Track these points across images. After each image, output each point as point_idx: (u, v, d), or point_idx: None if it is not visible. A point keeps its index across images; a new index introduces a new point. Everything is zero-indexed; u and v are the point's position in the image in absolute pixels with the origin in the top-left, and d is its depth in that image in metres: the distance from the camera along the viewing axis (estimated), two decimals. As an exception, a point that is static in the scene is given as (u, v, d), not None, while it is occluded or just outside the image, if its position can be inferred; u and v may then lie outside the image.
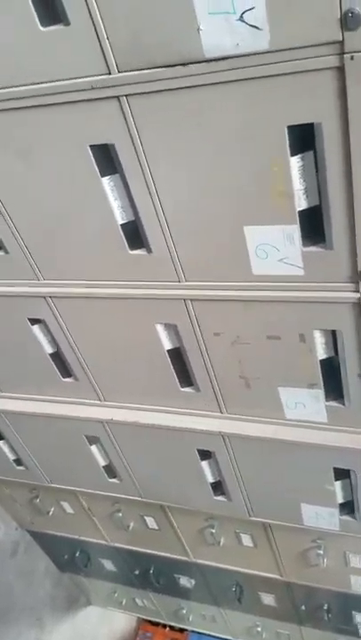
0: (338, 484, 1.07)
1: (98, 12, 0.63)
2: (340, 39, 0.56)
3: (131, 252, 0.87)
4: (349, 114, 0.61)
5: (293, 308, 0.83)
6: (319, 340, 0.86)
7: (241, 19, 0.58)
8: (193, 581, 1.81)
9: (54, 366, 1.15)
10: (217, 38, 0.60)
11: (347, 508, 1.12)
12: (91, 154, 0.77)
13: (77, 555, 1.93)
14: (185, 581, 1.83)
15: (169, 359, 1.02)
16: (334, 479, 1.05)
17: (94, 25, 0.64)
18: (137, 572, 1.89)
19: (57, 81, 0.70)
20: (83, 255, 0.92)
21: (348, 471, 1.03)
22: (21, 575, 1.95)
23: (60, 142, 0.77)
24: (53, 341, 1.10)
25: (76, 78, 0.69)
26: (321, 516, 1.15)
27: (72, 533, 1.85)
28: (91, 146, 0.76)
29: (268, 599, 1.70)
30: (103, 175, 0.79)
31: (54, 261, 0.95)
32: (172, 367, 1.03)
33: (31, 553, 1.98)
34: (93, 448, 1.31)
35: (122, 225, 0.84)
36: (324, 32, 0.56)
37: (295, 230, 0.74)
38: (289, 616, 1.73)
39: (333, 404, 0.94)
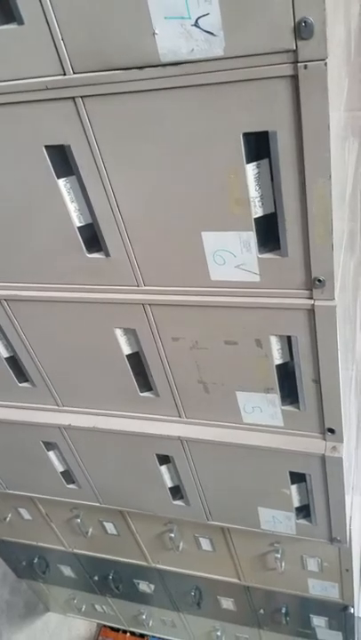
0: (294, 487, 1.08)
1: (52, 13, 0.62)
2: (294, 48, 0.57)
3: (88, 256, 0.86)
4: (303, 123, 0.62)
5: (250, 313, 0.83)
6: (275, 345, 0.86)
7: (196, 24, 0.58)
8: (152, 586, 1.81)
9: (10, 371, 1.13)
10: (172, 43, 0.60)
11: (303, 511, 1.13)
12: (46, 155, 0.76)
13: (35, 561, 1.90)
14: (144, 586, 1.82)
15: (128, 364, 1.01)
16: (290, 483, 1.06)
17: (49, 25, 0.63)
18: (96, 578, 1.87)
19: (11, 80, 0.69)
20: (39, 258, 0.90)
21: (303, 475, 1.04)
22: (-23, 583, 1.90)
23: (14, 142, 0.76)
24: (9, 345, 1.08)
25: (30, 78, 0.68)
26: (278, 520, 1.16)
27: (30, 540, 1.82)
28: (46, 147, 0.75)
29: (227, 603, 1.70)
30: (59, 177, 0.78)
31: (10, 264, 0.93)
32: (131, 372, 1.02)
33: (-12, 560, 1.95)
34: (51, 454, 1.29)
35: (79, 228, 0.83)
36: (277, 40, 0.57)
37: (251, 237, 0.74)
38: (248, 620, 1.74)
39: (289, 408, 0.95)
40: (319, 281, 0.75)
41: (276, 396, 0.94)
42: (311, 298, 0.78)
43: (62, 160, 0.76)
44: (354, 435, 1.26)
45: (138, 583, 1.82)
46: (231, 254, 0.77)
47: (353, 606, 1.43)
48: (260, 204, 0.71)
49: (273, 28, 0.56)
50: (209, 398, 1.00)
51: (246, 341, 0.87)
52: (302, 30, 0.55)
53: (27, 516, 1.70)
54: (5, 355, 1.10)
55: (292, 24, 0.55)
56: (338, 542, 1.14)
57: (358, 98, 1.00)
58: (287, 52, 0.57)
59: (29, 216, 0.84)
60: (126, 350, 0.98)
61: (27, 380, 1.14)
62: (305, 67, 0.58)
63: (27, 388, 1.15)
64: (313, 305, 0.78)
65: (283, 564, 1.36)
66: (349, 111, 0.84)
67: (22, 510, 1.68)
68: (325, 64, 0.57)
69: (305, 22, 0.55)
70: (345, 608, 1.45)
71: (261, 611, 1.64)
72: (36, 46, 0.65)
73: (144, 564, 1.67)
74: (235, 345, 0.89)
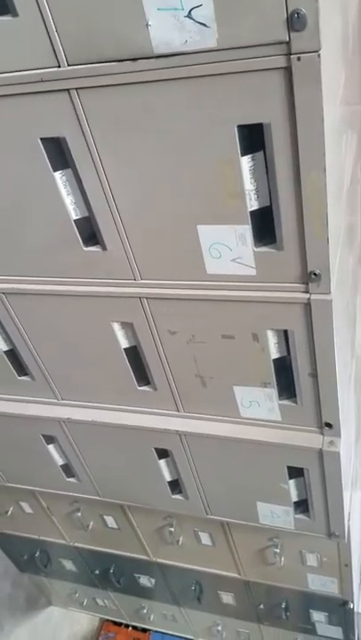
0: (292, 482, 1.07)
1: (46, 5, 0.62)
2: (287, 40, 0.57)
3: (85, 249, 0.86)
4: (297, 115, 0.61)
5: (246, 307, 0.83)
6: (272, 339, 0.86)
7: (189, 15, 0.58)
8: (153, 581, 1.81)
9: (10, 364, 1.13)
10: (166, 34, 0.60)
11: (301, 506, 1.13)
12: (42, 147, 0.76)
13: (37, 555, 1.91)
14: (145, 581, 1.83)
15: (126, 358, 1.01)
16: (288, 477, 1.06)
17: (43, 17, 0.63)
18: (97, 572, 1.88)
19: (5, 73, 0.69)
20: (36, 252, 0.90)
21: (301, 470, 1.04)
22: (-21, 576, 1.92)
23: (10, 135, 0.76)
24: (8, 339, 1.08)
25: (24, 70, 0.68)
26: (276, 515, 1.16)
27: (31, 533, 1.83)
28: (42, 140, 0.75)
29: (227, 598, 1.70)
30: (55, 170, 0.78)
31: (7, 257, 0.94)
32: (128, 366, 1.02)
33: (-10, 553, 1.96)
34: (51, 447, 1.29)
35: (75, 221, 0.83)
36: (270, 32, 0.56)
37: (247, 230, 0.74)
38: (248, 615, 1.75)
39: (286, 402, 0.95)
40: (315, 275, 0.75)
41: (273, 391, 0.94)
42: (307, 292, 0.77)
43: (58, 153, 0.76)
44: (353, 430, 1.26)
45: (139, 577, 1.83)
46: (227, 248, 0.77)
47: (352, 601, 1.43)
48: (256, 197, 0.71)
49: (266, 19, 0.56)
50: (207, 392, 1.00)
51: (243, 335, 0.87)
52: (295, 22, 0.55)
53: (28, 509, 1.70)
54: (4, 348, 1.11)
55: (285, 15, 0.55)
56: (336, 537, 1.14)
57: (357, 91, 1.00)
58: (280, 43, 0.57)
59: (26, 210, 0.85)
60: (124, 344, 0.99)
61: (26, 374, 1.15)
62: (298, 58, 0.57)
63: (26, 382, 1.16)
64: (309, 299, 0.78)
65: (282, 559, 1.37)
66: (347, 105, 0.84)
67: (23, 504, 1.69)
68: (319, 56, 0.57)
69: (297, 14, 0.55)
70: (344, 603, 1.45)
71: (261, 606, 1.65)
72: (31, 38, 0.65)
73: (145, 558, 1.67)
74: (231, 339, 0.89)
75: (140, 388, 1.06)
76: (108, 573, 1.83)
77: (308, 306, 0.79)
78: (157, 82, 0.64)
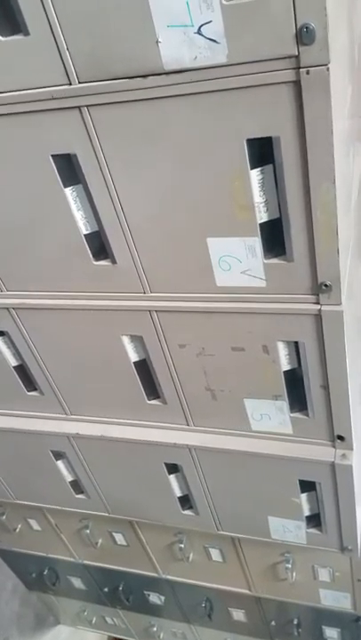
0: (304, 496, 1.07)
1: (57, 23, 0.63)
2: (296, 54, 0.57)
3: (95, 263, 0.87)
4: (306, 128, 0.62)
5: (257, 319, 0.83)
6: (282, 351, 0.86)
7: (199, 32, 0.59)
8: (163, 598, 1.79)
9: (19, 379, 1.13)
10: (176, 51, 0.60)
11: (313, 520, 1.11)
12: (53, 164, 0.76)
13: (45, 572, 1.89)
14: (155, 598, 1.81)
15: (135, 371, 1.01)
16: (300, 491, 1.05)
17: (54, 36, 0.64)
18: (106, 590, 1.86)
19: (17, 90, 0.70)
20: (47, 266, 0.91)
21: (313, 483, 1.03)
22: (-13, 595, 1.90)
23: (21, 152, 0.77)
24: (17, 354, 1.08)
25: (36, 88, 0.69)
26: (288, 530, 1.14)
27: (40, 551, 1.82)
28: (53, 156, 0.76)
29: (238, 615, 1.68)
30: (66, 185, 0.79)
31: (18, 273, 0.94)
32: (138, 379, 1.02)
33: (-2, 571, 1.94)
34: (59, 463, 1.29)
35: (86, 235, 0.84)
36: (280, 47, 0.57)
37: (257, 242, 0.75)
38: (260, 632, 1.72)
39: (298, 415, 0.94)
40: (326, 286, 0.75)
41: (284, 403, 0.93)
42: (318, 303, 0.77)
43: (69, 169, 0.77)
44: (364, 443, 1.24)
45: (148, 595, 1.81)
46: (237, 260, 0.78)
47: (366, 617, 1.41)
48: (265, 209, 0.71)
49: (275, 34, 0.57)
50: (217, 406, 1.00)
51: (253, 347, 0.87)
52: (304, 36, 0.56)
53: (36, 526, 1.69)
54: (14, 363, 1.11)
55: (294, 30, 0.56)
56: (349, 552, 1.13)
57: (363, 104, 1.01)
58: (289, 57, 0.58)
59: (37, 225, 0.85)
60: (133, 357, 0.99)
61: (35, 389, 1.15)
62: (307, 72, 0.58)
63: (35, 397, 1.16)
64: (320, 310, 0.78)
65: (294, 575, 1.35)
66: (354, 117, 0.84)
67: (32, 521, 1.68)
68: (328, 69, 0.57)
69: (307, 28, 0.55)
70: (358, 619, 1.43)
71: (273, 622, 1.62)
72: (42, 57, 0.66)
73: (154, 575, 1.66)
74: (242, 351, 0.88)
75: (149, 402, 1.05)
76: (118, 591, 1.81)
77: (318, 317, 0.79)
78: (167, 98, 0.65)
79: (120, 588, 1.80)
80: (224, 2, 0.56)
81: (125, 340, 0.96)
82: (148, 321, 0.91)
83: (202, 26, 0.58)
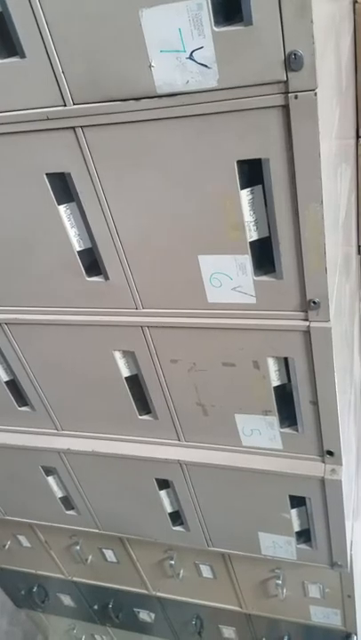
0: (294, 511, 1.07)
1: (53, 47, 0.65)
2: (285, 79, 0.59)
3: (88, 279, 0.88)
4: (295, 150, 0.64)
5: (247, 335, 0.84)
6: (272, 367, 0.87)
7: (191, 57, 0.60)
8: (153, 615, 1.77)
9: (10, 395, 1.13)
10: (168, 75, 0.62)
11: (303, 536, 1.12)
12: (47, 182, 0.78)
13: (35, 590, 1.87)
14: (145, 615, 1.79)
15: (127, 387, 1.02)
16: (290, 507, 1.06)
17: (50, 59, 0.66)
18: (96, 607, 1.84)
19: (13, 111, 0.72)
20: (40, 282, 0.92)
21: (303, 499, 1.03)
22: (-25, 613, 1.87)
23: (16, 170, 0.78)
24: (9, 369, 1.08)
25: (31, 109, 0.71)
26: (278, 545, 1.15)
27: (29, 568, 1.80)
28: (47, 175, 0.77)
29: (228, 632, 1.67)
30: (60, 203, 0.80)
31: (10, 288, 0.95)
32: (130, 395, 1.03)
33: (-14, 589, 1.92)
34: (50, 479, 1.28)
35: (79, 252, 0.85)
36: (269, 72, 0.59)
37: (247, 260, 0.76)
38: (250, 649, 1.71)
39: (288, 430, 0.95)
40: (314, 303, 0.76)
41: (274, 419, 0.94)
42: (307, 319, 0.79)
43: (63, 187, 0.78)
44: (354, 459, 1.26)
45: (138, 612, 1.79)
46: (228, 277, 0.79)
47: (356, 634, 1.41)
48: (255, 228, 0.73)
49: (264, 60, 0.59)
50: (208, 421, 1.00)
51: (244, 363, 0.88)
52: (292, 62, 0.58)
53: (26, 543, 1.68)
54: (5, 378, 1.11)
55: (283, 56, 0.58)
56: (339, 567, 1.13)
57: (350, 126, 1.03)
58: (278, 82, 0.60)
59: (30, 241, 0.86)
60: (125, 373, 0.99)
61: (26, 404, 1.15)
62: (295, 97, 0.60)
63: (26, 412, 1.16)
64: (309, 326, 0.79)
65: (284, 591, 1.35)
66: (341, 139, 0.87)
67: (21, 537, 1.67)
68: (315, 94, 0.59)
69: (295, 55, 0.57)
70: (348, 636, 1.42)
71: (263, 639, 1.62)
72: (38, 79, 0.68)
73: (144, 592, 1.64)
74: (232, 367, 0.89)
75: (140, 417, 1.06)
76: (107, 608, 1.80)
77: (307, 333, 0.80)
78: (160, 120, 0.66)
79: (110, 606, 1.79)
80: (215, 29, 0.58)
81: (117, 355, 0.97)
82: (140, 336, 0.92)
83: (193, 51, 0.60)
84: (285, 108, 0.61)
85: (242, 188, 0.69)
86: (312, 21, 0.55)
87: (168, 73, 0.62)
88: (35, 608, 2.01)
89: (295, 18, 0.55)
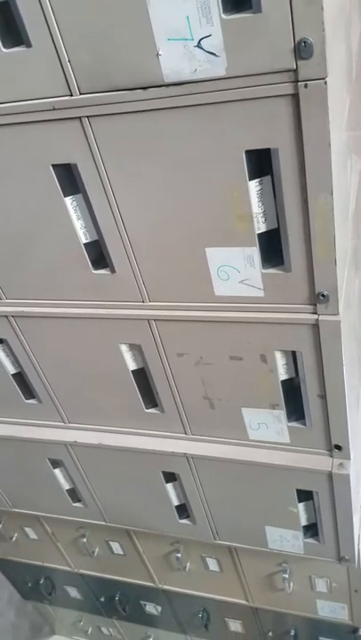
0: (301, 505, 1.07)
1: (59, 36, 0.64)
2: (294, 67, 0.58)
3: (94, 272, 0.87)
4: (304, 140, 0.63)
5: (254, 328, 0.84)
6: (280, 360, 0.86)
7: (199, 45, 0.59)
8: (159, 608, 1.78)
9: (17, 387, 1.13)
10: (176, 64, 0.61)
11: (310, 530, 1.11)
12: (53, 173, 0.77)
13: (41, 582, 1.88)
14: (151, 608, 1.80)
15: (134, 380, 1.01)
16: (297, 501, 1.05)
17: (56, 48, 0.65)
18: (102, 600, 1.85)
19: (19, 101, 0.71)
20: (46, 275, 0.91)
21: (310, 493, 1.03)
22: (-17, 604, 1.89)
23: (22, 162, 0.77)
24: (16, 362, 1.08)
25: (37, 99, 0.70)
26: (285, 539, 1.14)
27: (36, 560, 1.81)
28: (53, 166, 0.77)
29: (235, 625, 1.67)
30: (66, 195, 0.79)
31: (17, 281, 0.95)
32: (136, 388, 1.02)
33: (-7, 581, 1.93)
34: (57, 471, 1.29)
35: (85, 244, 0.85)
36: (278, 60, 0.58)
37: (255, 252, 0.75)
38: (256, 643, 1.71)
39: (295, 424, 0.94)
40: (323, 296, 0.75)
41: (281, 413, 0.93)
42: (315, 313, 0.78)
43: (69, 178, 0.78)
44: (361, 452, 1.25)
45: (145, 605, 1.80)
46: (235, 270, 0.78)
47: (363, 629, 1.41)
48: (263, 219, 0.72)
49: (273, 48, 0.58)
50: (215, 414, 1.00)
51: (251, 357, 0.87)
52: (302, 50, 0.57)
53: (32, 535, 1.69)
54: (12, 371, 1.11)
55: (292, 44, 0.57)
56: (346, 562, 1.13)
57: (361, 117, 1.02)
58: (288, 71, 0.59)
59: (36, 234, 0.86)
60: (132, 366, 0.99)
61: (33, 397, 1.15)
62: (305, 85, 0.59)
63: (33, 405, 1.16)
64: (317, 320, 0.78)
65: (291, 585, 1.35)
66: (352, 130, 0.85)
67: (28, 530, 1.67)
68: (325, 83, 0.58)
69: (305, 42, 0.56)
70: (355, 630, 1.42)
71: (270, 633, 1.61)
72: (44, 68, 0.67)
73: (151, 584, 1.65)
74: (240, 360, 0.89)
75: (147, 411, 1.06)
76: (114, 601, 1.80)
77: (316, 327, 0.79)
78: (167, 109, 0.66)
79: (116, 598, 1.79)
80: (223, 16, 0.57)
81: (124, 348, 0.97)
82: (147, 330, 0.91)
83: (202, 39, 0.59)
84: (295, 96, 0.60)
85: (250, 178, 0.68)
86: (322, 8, 0.54)
87: (176, 61, 0.61)
88: (41, 600, 2.02)
89: (305, 5, 0.54)
